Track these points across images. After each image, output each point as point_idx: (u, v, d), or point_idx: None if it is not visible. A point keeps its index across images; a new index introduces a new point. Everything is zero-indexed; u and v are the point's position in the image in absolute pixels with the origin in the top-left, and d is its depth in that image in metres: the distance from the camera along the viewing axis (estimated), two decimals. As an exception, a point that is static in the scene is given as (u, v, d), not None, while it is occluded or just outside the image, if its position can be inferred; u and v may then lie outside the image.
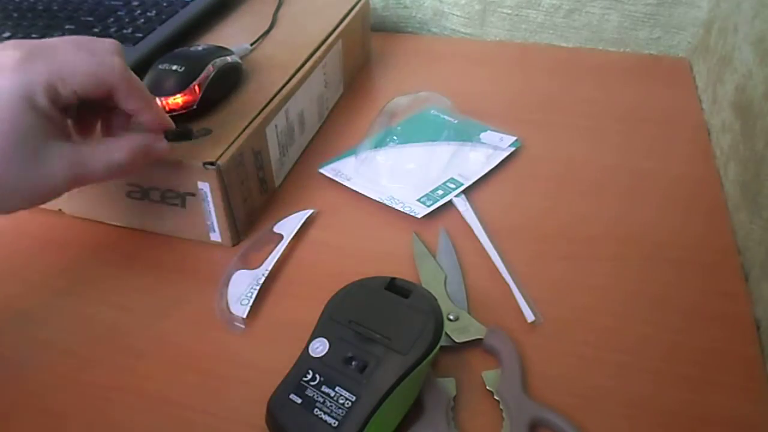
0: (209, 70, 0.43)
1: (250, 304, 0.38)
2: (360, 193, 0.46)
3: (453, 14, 0.70)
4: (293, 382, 0.30)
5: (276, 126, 0.45)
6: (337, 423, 0.28)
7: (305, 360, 0.30)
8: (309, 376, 0.30)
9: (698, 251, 0.41)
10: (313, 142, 0.53)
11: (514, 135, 0.51)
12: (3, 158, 0.30)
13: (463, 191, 0.46)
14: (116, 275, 0.41)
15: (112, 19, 0.53)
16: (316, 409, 0.28)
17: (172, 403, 0.33)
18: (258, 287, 0.39)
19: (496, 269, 0.40)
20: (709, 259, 0.40)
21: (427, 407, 0.31)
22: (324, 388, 0.29)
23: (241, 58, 0.48)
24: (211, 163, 0.38)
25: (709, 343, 0.35)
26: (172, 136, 0.38)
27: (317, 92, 0.52)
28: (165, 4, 0.55)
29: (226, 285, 0.39)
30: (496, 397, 0.32)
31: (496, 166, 0.48)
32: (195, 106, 0.42)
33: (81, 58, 0.32)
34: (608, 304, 0.38)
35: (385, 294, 0.33)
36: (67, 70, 0.31)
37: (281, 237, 0.42)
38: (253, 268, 0.40)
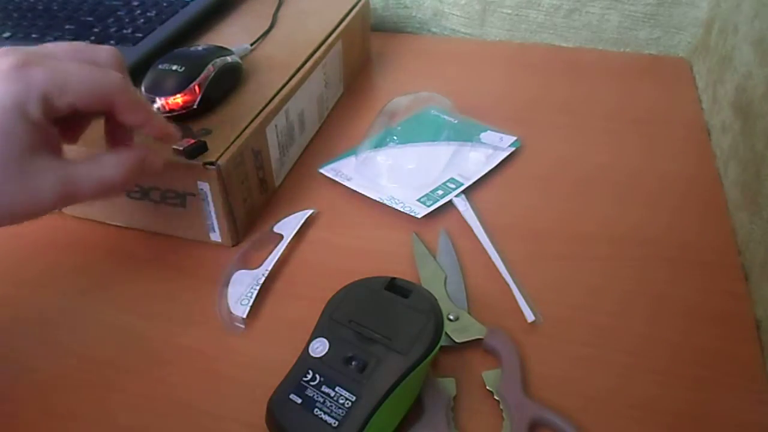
0: (209, 70, 0.43)
1: (250, 304, 0.38)
2: (360, 193, 0.46)
3: (453, 14, 0.70)
4: (293, 382, 0.30)
5: (276, 126, 0.45)
6: (337, 423, 0.28)
7: (305, 360, 0.30)
8: (309, 376, 0.30)
9: (698, 251, 0.41)
10: (313, 142, 0.53)
11: (514, 135, 0.51)
12: None
13: (463, 191, 0.46)
14: (116, 275, 0.41)
15: (112, 19, 0.53)
16: (316, 409, 0.28)
17: (172, 402, 0.33)
18: (258, 287, 0.39)
19: (496, 269, 0.40)
20: (709, 259, 0.40)
21: (427, 407, 0.31)
22: (324, 388, 0.29)
23: (241, 58, 0.48)
24: (211, 163, 0.38)
25: (710, 343, 0.35)
26: (190, 153, 0.38)
27: (317, 92, 0.52)
28: (165, 4, 0.55)
29: (226, 285, 0.39)
30: (496, 397, 0.32)
31: (496, 166, 0.48)
32: (195, 106, 0.42)
33: (81, 69, 0.30)
34: (608, 304, 0.38)
35: (385, 294, 0.33)
36: (66, 81, 0.29)
37: (281, 237, 0.42)
38: (253, 268, 0.40)
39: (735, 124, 0.46)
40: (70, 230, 0.44)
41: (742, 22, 0.49)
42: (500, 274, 0.39)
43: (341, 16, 0.57)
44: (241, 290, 0.39)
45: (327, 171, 0.48)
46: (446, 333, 0.34)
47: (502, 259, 0.40)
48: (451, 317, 0.36)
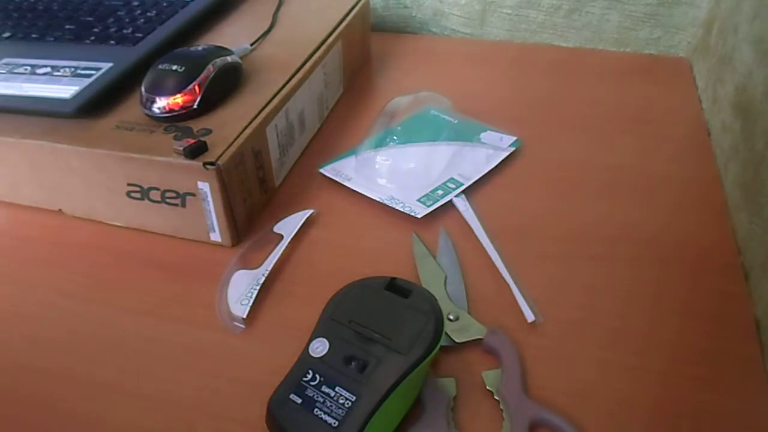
0: (209, 70, 0.43)
1: (250, 304, 0.38)
2: (360, 193, 0.46)
3: (453, 14, 0.70)
4: (293, 382, 0.30)
5: (276, 126, 0.45)
6: (337, 423, 0.28)
7: (305, 360, 0.30)
8: (309, 376, 0.30)
9: (698, 251, 0.41)
10: (313, 142, 0.53)
11: (514, 135, 0.51)
12: None
13: (463, 191, 0.46)
14: (116, 275, 0.41)
15: (112, 19, 0.53)
16: (316, 409, 0.28)
17: (172, 402, 0.33)
18: (258, 287, 0.39)
19: (496, 269, 0.40)
20: (709, 259, 0.40)
21: (427, 407, 0.31)
22: (324, 388, 0.29)
23: (241, 58, 0.48)
24: (211, 163, 0.38)
25: (710, 342, 0.35)
26: (190, 153, 0.38)
27: (317, 92, 0.52)
28: (165, 4, 0.55)
29: (226, 285, 0.39)
30: (496, 397, 0.32)
31: (496, 166, 0.48)
32: (195, 106, 0.42)
33: None
34: (608, 304, 0.38)
35: (385, 294, 0.33)
36: None
37: (281, 237, 0.42)
38: (253, 268, 0.40)
39: (735, 123, 0.46)
40: (69, 230, 0.44)
41: (742, 22, 0.49)
42: (500, 274, 0.39)
43: (341, 16, 0.57)
44: (241, 290, 0.39)
45: (327, 171, 0.48)
46: (446, 333, 0.34)
47: (502, 259, 0.40)
48: (451, 317, 0.36)
